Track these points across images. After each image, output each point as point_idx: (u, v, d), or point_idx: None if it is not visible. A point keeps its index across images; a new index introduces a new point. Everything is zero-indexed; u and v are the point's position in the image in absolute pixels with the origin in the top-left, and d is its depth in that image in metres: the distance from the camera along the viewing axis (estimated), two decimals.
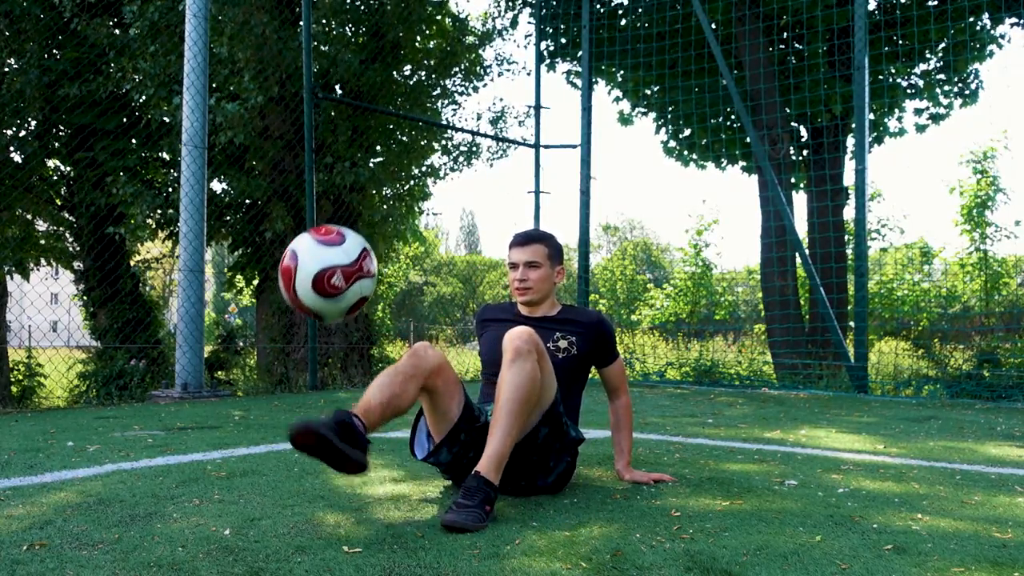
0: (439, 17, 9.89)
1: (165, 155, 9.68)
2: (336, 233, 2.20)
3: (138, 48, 7.95)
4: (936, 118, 10.21)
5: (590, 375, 2.73)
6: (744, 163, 10.87)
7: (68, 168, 9.71)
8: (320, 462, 2.01)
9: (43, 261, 10.26)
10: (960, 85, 10.15)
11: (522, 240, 2.59)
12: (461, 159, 10.47)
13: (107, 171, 8.57)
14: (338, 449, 1.95)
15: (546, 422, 2.31)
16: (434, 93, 10.03)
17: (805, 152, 10.23)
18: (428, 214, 15.59)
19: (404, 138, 9.80)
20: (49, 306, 8.66)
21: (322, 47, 8.54)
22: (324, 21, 8.84)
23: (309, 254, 2.13)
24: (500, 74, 11.04)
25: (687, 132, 10.85)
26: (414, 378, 2.22)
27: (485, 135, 10.14)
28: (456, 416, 2.31)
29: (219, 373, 9.72)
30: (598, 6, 9.20)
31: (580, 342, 2.56)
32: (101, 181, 8.65)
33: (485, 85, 10.37)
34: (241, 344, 10.42)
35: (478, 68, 10.30)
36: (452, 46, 9.90)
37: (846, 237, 9.03)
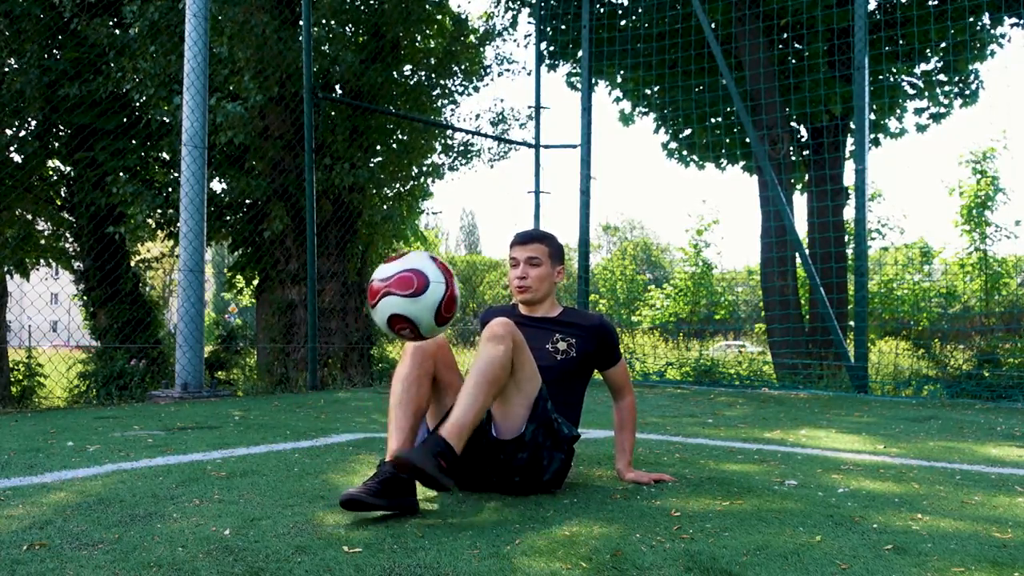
0: (439, 17, 9.90)
1: (165, 155, 9.68)
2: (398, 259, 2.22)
3: (138, 48, 7.95)
4: (936, 117, 10.21)
5: (593, 376, 2.74)
6: (744, 163, 10.86)
7: (68, 168, 9.71)
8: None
9: (43, 261, 10.26)
10: (960, 85, 10.15)
11: (524, 238, 2.62)
12: (459, 159, 10.47)
13: (107, 171, 8.57)
14: (389, 506, 2.07)
15: (533, 419, 2.32)
16: (434, 93, 10.03)
17: (805, 152, 10.23)
18: (428, 214, 15.56)
19: (404, 137, 9.80)
20: (49, 306, 8.65)
21: (322, 47, 8.54)
22: (324, 21, 8.84)
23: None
24: (500, 74, 11.06)
25: (687, 132, 10.85)
26: (425, 376, 2.33)
27: (486, 135, 10.14)
28: (449, 406, 2.34)
29: (219, 373, 9.72)
30: (598, 6, 9.20)
31: (580, 344, 2.56)
32: (101, 181, 8.65)
33: (486, 85, 10.41)
34: (241, 344, 10.42)
35: (478, 68, 10.31)
36: (452, 46, 9.90)
37: (846, 237, 9.03)
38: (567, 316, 2.64)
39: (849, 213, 8.82)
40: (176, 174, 8.56)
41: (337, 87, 9.29)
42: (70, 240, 10.14)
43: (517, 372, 2.28)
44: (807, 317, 9.69)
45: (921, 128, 10.24)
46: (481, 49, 10.36)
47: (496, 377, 2.20)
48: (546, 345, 2.53)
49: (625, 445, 2.69)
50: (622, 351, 2.75)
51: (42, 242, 10.16)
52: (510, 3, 10.87)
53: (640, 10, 9.66)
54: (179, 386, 5.64)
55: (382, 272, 2.17)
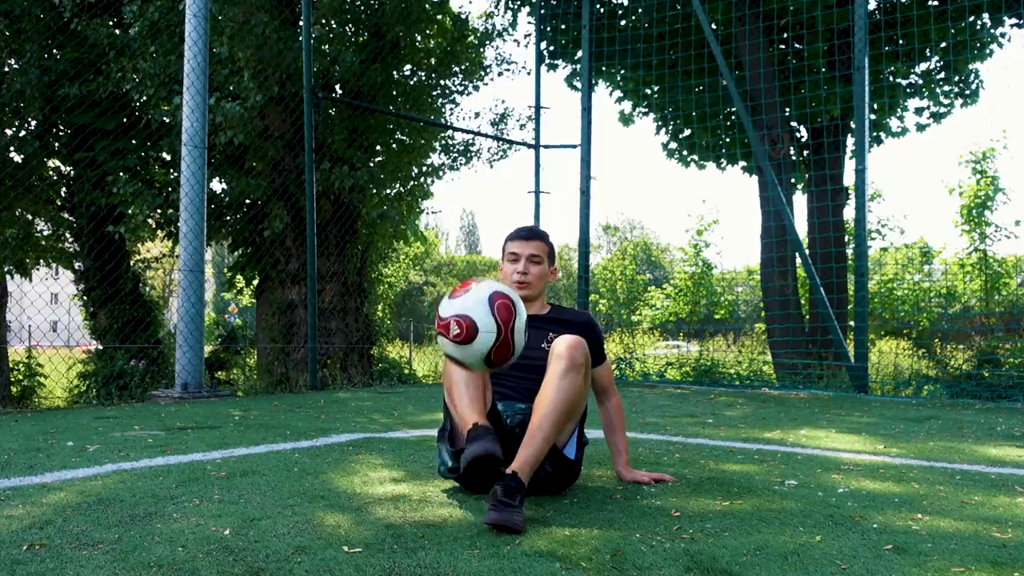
0: (439, 17, 9.89)
1: (165, 155, 9.68)
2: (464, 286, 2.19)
3: (138, 48, 7.95)
4: (936, 117, 10.21)
5: None
6: (744, 163, 10.87)
7: (68, 168, 9.71)
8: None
9: (43, 261, 10.26)
10: (960, 85, 10.15)
11: (526, 234, 2.64)
12: (460, 159, 10.48)
13: (107, 171, 8.57)
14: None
15: (579, 437, 2.39)
16: (434, 93, 10.03)
17: (805, 152, 10.23)
18: (428, 213, 15.59)
19: (404, 138, 9.80)
20: (49, 306, 8.65)
21: (322, 47, 8.54)
22: (324, 21, 8.84)
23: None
24: (500, 74, 11.06)
25: (687, 132, 10.85)
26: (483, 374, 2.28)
27: (486, 135, 10.15)
28: (489, 406, 2.35)
29: (219, 373, 9.73)
30: (598, 6, 9.20)
31: None
32: (101, 181, 8.65)
33: (486, 85, 10.40)
34: (241, 345, 10.42)
35: (478, 68, 10.31)
36: (452, 46, 9.90)
37: (846, 237, 9.03)
38: (557, 314, 2.66)
39: (849, 213, 8.82)
40: (176, 174, 8.56)
41: (337, 87, 9.28)
42: (70, 240, 10.14)
43: None
44: (807, 317, 9.69)
45: (921, 128, 10.24)
46: (481, 49, 10.36)
47: (574, 410, 2.24)
48: (541, 344, 2.52)
49: (620, 446, 2.70)
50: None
51: (42, 242, 10.16)
52: (510, 3, 10.88)
53: (640, 10, 9.66)
54: (179, 386, 5.64)
55: (443, 308, 2.12)
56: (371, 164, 9.52)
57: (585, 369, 2.26)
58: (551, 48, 10.48)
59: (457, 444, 2.34)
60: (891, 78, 9.73)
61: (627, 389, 6.83)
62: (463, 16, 10.25)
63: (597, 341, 2.65)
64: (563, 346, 2.26)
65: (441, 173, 10.50)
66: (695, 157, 11.00)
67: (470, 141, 10.43)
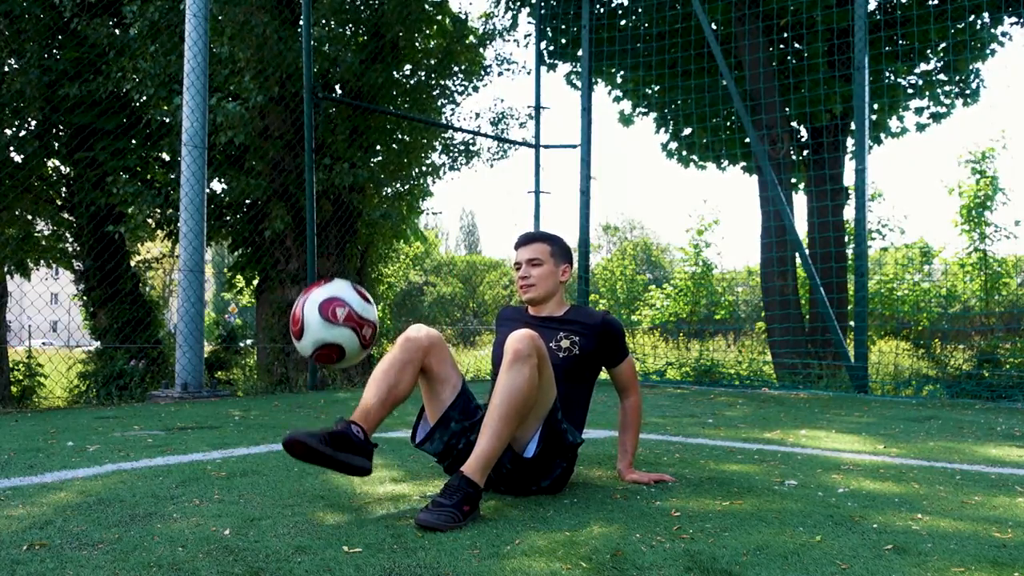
0: (439, 17, 9.90)
1: (165, 155, 9.68)
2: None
3: (138, 48, 7.95)
4: (937, 117, 10.21)
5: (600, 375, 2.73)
6: (744, 163, 10.86)
7: (68, 168, 9.71)
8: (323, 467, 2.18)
9: (43, 261, 10.26)
10: (960, 85, 10.15)
11: (525, 239, 2.64)
12: (460, 159, 10.48)
13: (107, 171, 8.57)
14: (333, 459, 2.11)
15: (544, 433, 2.31)
16: (434, 93, 10.04)
17: (805, 152, 10.23)
18: (428, 214, 15.60)
19: (404, 137, 9.81)
20: (49, 306, 8.65)
21: (322, 47, 8.54)
22: (324, 21, 8.84)
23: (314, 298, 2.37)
24: (500, 74, 11.07)
25: (687, 132, 10.84)
26: (409, 363, 2.30)
27: (486, 135, 10.14)
28: (448, 401, 2.36)
29: (219, 373, 9.72)
30: (598, 6, 9.19)
31: (583, 342, 2.54)
32: (101, 181, 8.65)
33: (485, 85, 10.40)
34: (242, 344, 10.42)
35: (478, 68, 10.31)
36: (452, 46, 9.91)
37: (846, 237, 9.03)
38: (572, 315, 2.63)
39: (849, 213, 8.81)
40: (176, 174, 8.56)
41: (337, 87, 9.29)
42: (70, 240, 10.15)
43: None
44: (807, 317, 9.69)
45: (921, 128, 10.24)
46: (481, 49, 10.36)
47: (522, 402, 2.16)
48: (550, 344, 2.52)
49: (627, 445, 2.69)
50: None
51: (42, 242, 10.16)
52: (510, 3, 10.87)
53: (640, 10, 9.65)
54: (179, 386, 5.65)
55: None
56: (371, 164, 9.52)
57: (535, 359, 2.18)
58: (551, 48, 10.47)
59: (418, 425, 2.45)
60: (891, 78, 9.73)
61: None
62: (463, 16, 10.25)
63: (613, 341, 2.60)
64: (508, 340, 2.21)
65: (441, 173, 10.51)
66: (695, 157, 11.00)
67: (470, 141, 10.44)
